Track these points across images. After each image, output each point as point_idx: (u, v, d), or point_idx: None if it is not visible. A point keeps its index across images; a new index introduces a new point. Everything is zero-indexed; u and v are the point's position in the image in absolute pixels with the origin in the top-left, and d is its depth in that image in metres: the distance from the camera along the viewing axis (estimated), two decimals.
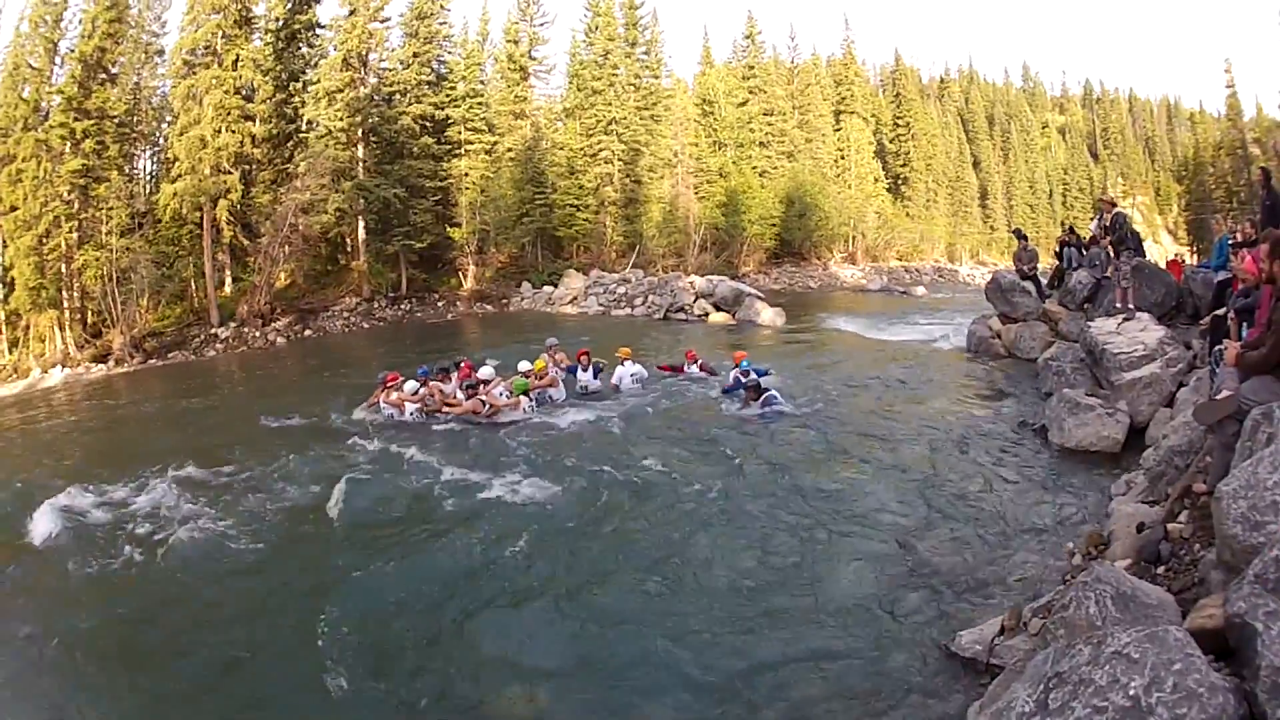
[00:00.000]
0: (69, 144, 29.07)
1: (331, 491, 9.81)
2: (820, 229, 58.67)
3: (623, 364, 15.20)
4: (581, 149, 45.41)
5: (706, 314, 30.41)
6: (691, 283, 33.72)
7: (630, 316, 31.94)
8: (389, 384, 14.04)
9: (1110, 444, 9.90)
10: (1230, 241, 12.06)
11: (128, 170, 34.96)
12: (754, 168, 57.42)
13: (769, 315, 28.37)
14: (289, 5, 36.20)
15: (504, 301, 38.35)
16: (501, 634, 6.44)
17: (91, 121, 29.49)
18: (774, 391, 12.94)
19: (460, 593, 7.14)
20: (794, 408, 12.72)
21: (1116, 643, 3.40)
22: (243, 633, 6.77)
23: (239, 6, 33.24)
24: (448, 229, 39.34)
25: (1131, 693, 3.11)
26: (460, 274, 39.99)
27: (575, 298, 36.42)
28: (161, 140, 37.76)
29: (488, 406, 13.16)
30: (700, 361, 15.90)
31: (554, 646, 6.24)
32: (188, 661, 6.39)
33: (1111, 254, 15.00)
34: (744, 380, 13.25)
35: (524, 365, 14.49)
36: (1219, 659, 3.38)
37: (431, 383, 14.06)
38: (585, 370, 14.88)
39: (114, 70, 32.32)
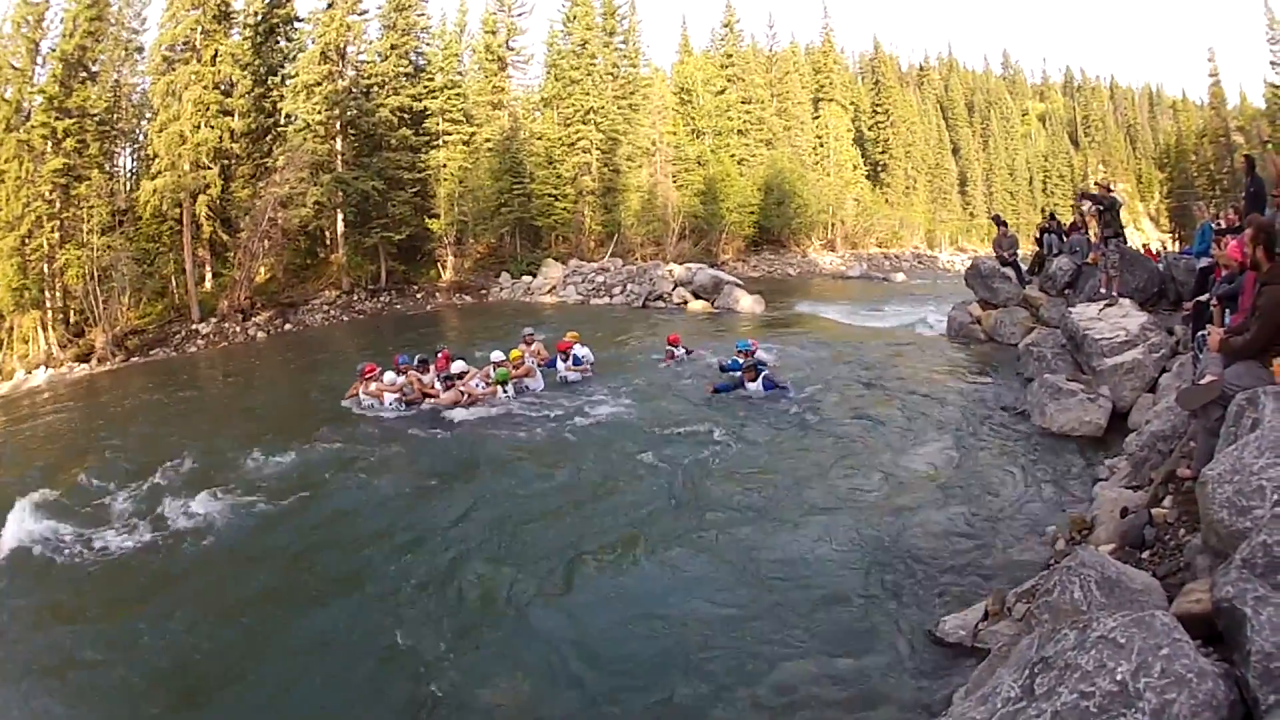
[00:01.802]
0: (50, 143, 28.65)
1: (316, 485, 9.78)
2: (799, 216, 58.69)
3: (572, 346, 15.31)
4: (559, 139, 45.16)
5: (685, 302, 30.27)
6: (670, 271, 33.52)
7: (609, 305, 31.83)
8: (367, 375, 14.00)
9: (1093, 429, 9.95)
10: (1214, 228, 12.12)
11: (108, 168, 34.35)
12: (732, 156, 57.18)
13: (748, 303, 28.38)
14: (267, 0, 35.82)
15: (483, 292, 38.11)
16: (489, 625, 6.43)
17: (72, 120, 29.06)
18: (769, 372, 13.04)
19: (451, 585, 7.11)
20: (785, 391, 12.73)
21: (1103, 627, 3.39)
22: (231, 628, 6.73)
23: (218, 1, 32.88)
24: (426, 220, 39.08)
25: (1119, 678, 3.09)
26: (439, 265, 39.72)
27: (554, 287, 36.23)
28: (141, 137, 37.18)
29: (466, 397, 13.14)
30: (681, 345, 16.06)
31: (545, 634, 6.24)
32: (175, 659, 6.33)
33: (1098, 239, 15.00)
34: (741, 361, 13.34)
35: (497, 355, 14.42)
36: (1207, 644, 3.37)
37: (411, 372, 14.01)
38: (565, 361, 14.85)
39: (94, 68, 31.80)
